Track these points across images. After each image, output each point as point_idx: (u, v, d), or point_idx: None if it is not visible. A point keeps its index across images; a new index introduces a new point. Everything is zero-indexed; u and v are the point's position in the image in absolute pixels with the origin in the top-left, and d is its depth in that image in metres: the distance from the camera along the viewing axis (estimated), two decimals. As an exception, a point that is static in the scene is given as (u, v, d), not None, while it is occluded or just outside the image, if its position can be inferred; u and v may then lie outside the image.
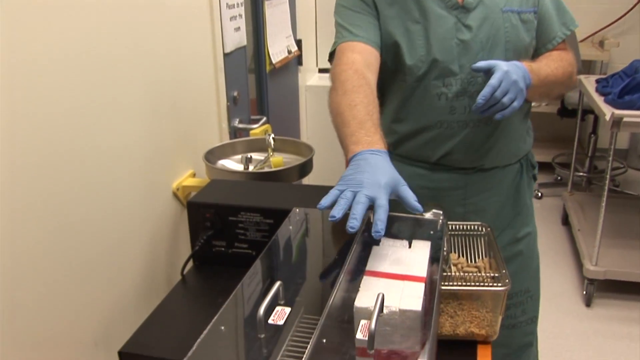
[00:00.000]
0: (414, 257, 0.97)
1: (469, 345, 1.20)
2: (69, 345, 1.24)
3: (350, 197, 1.00)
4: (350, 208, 0.99)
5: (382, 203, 0.99)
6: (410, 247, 1.01)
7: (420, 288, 0.88)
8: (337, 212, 0.98)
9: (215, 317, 0.86)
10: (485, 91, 1.25)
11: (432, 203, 1.17)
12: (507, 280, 1.15)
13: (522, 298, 1.62)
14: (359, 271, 0.94)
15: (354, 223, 0.95)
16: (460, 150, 1.46)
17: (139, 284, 1.50)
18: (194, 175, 1.79)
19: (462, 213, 1.51)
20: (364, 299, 0.86)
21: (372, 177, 1.04)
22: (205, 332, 0.82)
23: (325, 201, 1.03)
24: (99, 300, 1.34)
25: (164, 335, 1.13)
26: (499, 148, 1.48)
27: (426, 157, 1.49)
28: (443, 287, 1.14)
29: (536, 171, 1.63)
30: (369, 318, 0.78)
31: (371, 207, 1.00)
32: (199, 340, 0.81)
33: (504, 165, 1.53)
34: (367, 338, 0.77)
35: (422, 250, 1.00)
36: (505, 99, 1.27)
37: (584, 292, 3.07)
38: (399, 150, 1.52)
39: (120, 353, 1.09)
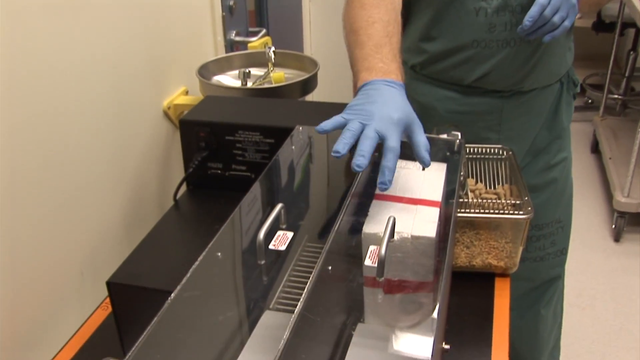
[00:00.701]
0: (428, 179, 0.97)
1: (486, 277, 1.22)
2: (53, 275, 1.26)
3: (357, 130, 0.94)
4: (356, 143, 0.93)
5: (392, 145, 0.92)
6: (424, 169, 1.00)
7: (434, 213, 0.89)
8: (342, 148, 0.91)
9: (211, 243, 0.86)
10: (533, 10, 1.21)
11: (449, 124, 1.16)
12: (529, 208, 1.15)
13: (553, 229, 1.62)
14: (368, 194, 0.94)
15: (361, 161, 0.89)
16: (498, 72, 1.42)
17: (128, 210, 1.52)
18: (186, 92, 1.78)
19: (496, 139, 1.49)
20: (373, 224, 0.86)
21: (384, 109, 0.97)
22: (199, 259, 0.83)
23: (325, 125, 0.96)
24: (85, 227, 1.36)
25: (155, 265, 1.15)
26: (540, 68, 1.44)
27: (459, 79, 1.46)
28: (459, 215, 1.15)
29: (578, 89, 1.60)
30: (379, 244, 0.78)
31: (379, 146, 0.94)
32: (193, 267, 0.81)
33: (544, 86, 1.49)
34: (376, 265, 0.78)
35: (437, 172, 0.99)
36: (556, 18, 1.22)
37: (613, 226, 3.09)
38: (428, 71, 1.49)
39: (108, 283, 1.10)
